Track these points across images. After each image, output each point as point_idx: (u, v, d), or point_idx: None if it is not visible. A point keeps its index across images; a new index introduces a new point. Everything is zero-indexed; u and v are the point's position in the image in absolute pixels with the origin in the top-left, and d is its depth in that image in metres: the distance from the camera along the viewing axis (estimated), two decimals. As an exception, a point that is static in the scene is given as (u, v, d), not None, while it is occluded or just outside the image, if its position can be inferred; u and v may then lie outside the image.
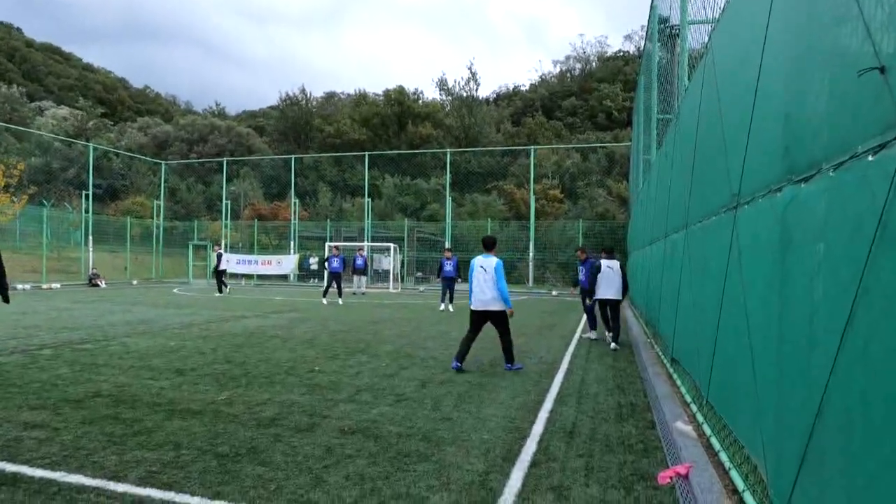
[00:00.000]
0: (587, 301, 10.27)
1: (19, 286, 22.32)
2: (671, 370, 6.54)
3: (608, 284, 9.56)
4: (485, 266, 7.34)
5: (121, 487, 3.43)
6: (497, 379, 6.82)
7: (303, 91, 57.15)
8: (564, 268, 27.87)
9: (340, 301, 17.55)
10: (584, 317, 10.29)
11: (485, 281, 7.29)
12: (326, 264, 17.79)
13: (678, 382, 5.90)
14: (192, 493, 3.37)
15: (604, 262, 9.66)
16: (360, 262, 22.31)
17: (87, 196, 29.07)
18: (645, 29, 17.90)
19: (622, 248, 23.50)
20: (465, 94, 54.83)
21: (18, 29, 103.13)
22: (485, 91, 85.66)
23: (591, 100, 64.66)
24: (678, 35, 13.08)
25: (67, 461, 3.83)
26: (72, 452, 3.99)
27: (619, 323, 9.56)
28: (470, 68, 70.78)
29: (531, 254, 26.61)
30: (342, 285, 17.64)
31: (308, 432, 4.57)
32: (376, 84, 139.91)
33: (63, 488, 3.40)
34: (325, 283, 18.49)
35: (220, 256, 21.24)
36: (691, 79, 6.46)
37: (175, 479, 3.58)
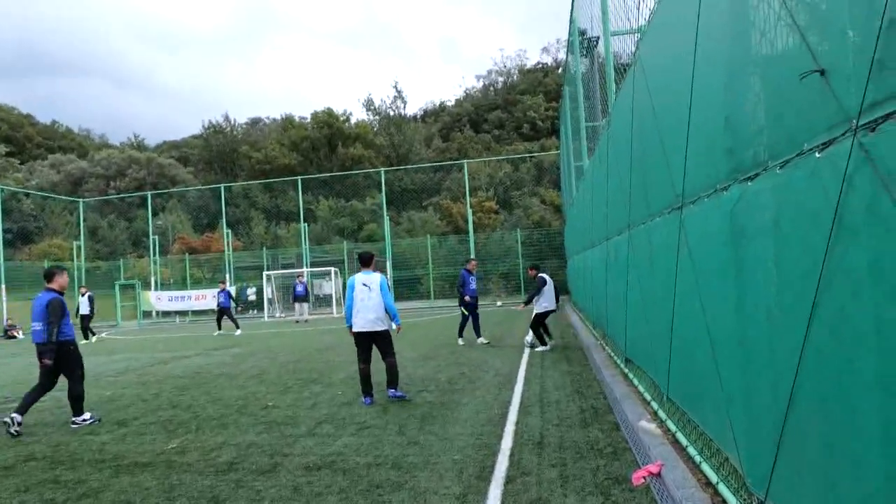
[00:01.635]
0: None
1: (-77, 346, 20.36)
2: (626, 370, 6.70)
3: (550, 297, 10.27)
4: (368, 283, 6.72)
5: (72, 559, 3.14)
6: (457, 396, 6.76)
7: (226, 118, 55.74)
8: (507, 277, 28.26)
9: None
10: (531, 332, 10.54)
11: (369, 299, 6.66)
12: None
13: (635, 382, 6.05)
14: (154, 555, 3.13)
15: (545, 276, 10.42)
16: (300, 289, 21.75)
17: (-5, 242, 26.98)
18: (563, 41, 18.59)
19: (560, 254, 24.11)
20: (392, 113, 55.07)
21: None
22: (412, 108, 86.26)
23: (515, 111, 66.38)
24: (596, 45, 13.71)
25: (5, 537, 3.48)
26: (9, 526, 3.63)
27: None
28: (395, 87, 71.61)
29: (473, 266, 26.84)
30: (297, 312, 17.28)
31: (271, 473, 4.36)
32: (302, 108, 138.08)
33: (4, 568, 3.08)
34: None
35: (90, 299, 18.80)
36: (620, 87, 6.71)
37: (132, 541, 3.31)
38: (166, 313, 28.53)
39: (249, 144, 52.17)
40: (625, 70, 6.45)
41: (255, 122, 79.29)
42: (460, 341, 11.77)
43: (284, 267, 28.03)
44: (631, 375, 6.40)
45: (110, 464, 4.82)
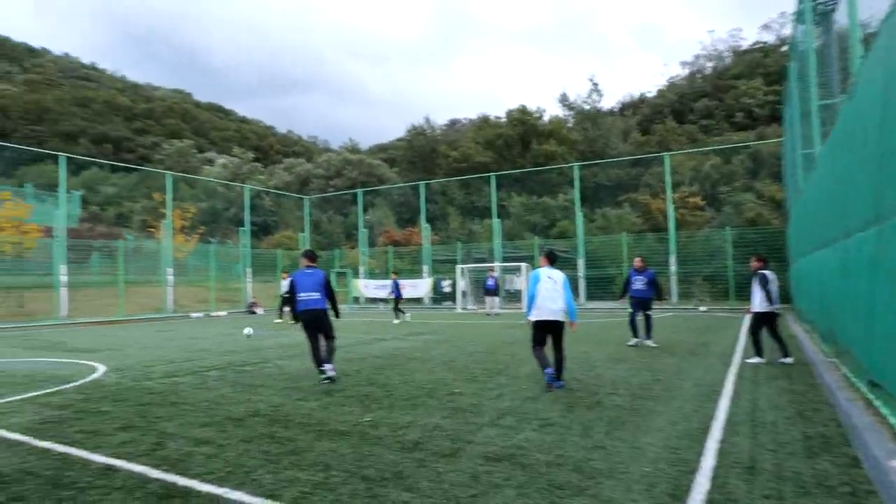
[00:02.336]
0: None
1: (193, 315, 25.09)
2: (871, 396, 5.53)
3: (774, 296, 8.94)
4: (553, 277, 7.29)
5: (276, 508, 3.47)
6: (650, 403, 6.22)
7: (427, 121, 59.31)
8: (712, 281, 25.67)
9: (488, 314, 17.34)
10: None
11: (554, 291, 7.20)
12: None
13: (884, 411, 4.94)
14: (343, 518, 3.32)
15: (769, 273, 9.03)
16: (490, 282, 22.23)
17: (244, 232, 32.17)
18: (788, 14, 16.16)
19: (780, 256, 21.16)
20: (587, 108, 53.48)
21: (189, 93, 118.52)
22: (608, 102, 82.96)
23: (726, 98, 60.12)
24: (834, 10, 11.62)
25: (230, 478, 3.98)
26: (234, 469, 4.16)
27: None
28: (591, 80, 69.06)
29: (673, 267, 24.87)
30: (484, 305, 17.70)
31: (452, 458, 4.40)
32: (497, 107, 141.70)
33: (226, 506, 3.51)
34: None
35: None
36: (867, 52, 5.54)
37: (326, 500, 3.56)
38: (371, 299, 31.31)
39: (448, 144, 54.89)
40: (870, 37, 5.30)
41: (453, 123, 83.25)
42: (632, 341, 11.48)
43: (477, 261, 28.91)
44: (878, 403, 5.25)
45: (315, 428, 5.32)
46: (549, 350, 7.22)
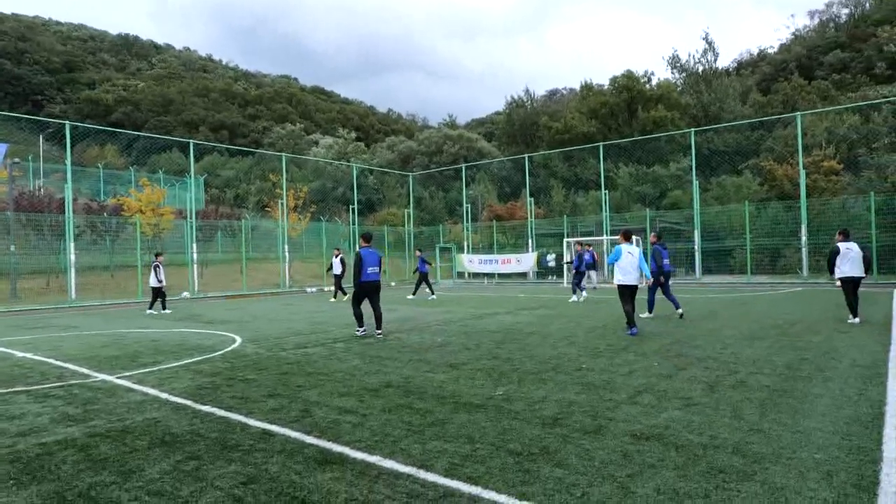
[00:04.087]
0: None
1: (308, 289, 26.53)
2: None
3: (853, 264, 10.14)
4: (631, 252, 9.65)
5: (430, 477, 3.53)
6: (801, 384, 5.72)
7: (527, 92, 58.03)
8: (848, 253, 23.27)
9: (575, 298, 16.79)
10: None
11: (631, 263, 9.60)
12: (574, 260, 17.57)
13: None
14: (498, 491, 3.31)
15: (843, 245, 10.20)
16: (587, 257, 21.74)
17: (352, 210, 33.40)
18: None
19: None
20: (700, 69, 49.70)
21: (295, 79, 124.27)
22: (721, 62, 76.81)
23: (865, 49, 53.73)
24: None
25: (379, 446, 4.11)
26: (381, 438, 4.30)
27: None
28: (705, 38, 63.72)
29: (803, 238, 22.79)
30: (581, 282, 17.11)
31: (596, 434, 4.27)
32: (600, 75, 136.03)
33: (382, 473, 3.62)
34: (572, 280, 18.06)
35: (342, 261, 20.26)
36: None
37: (477, 473, 3.58)
38: (475, 274, 31.50)
39: (549, 115, 53.47)
40: None
41: (552, 94, 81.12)
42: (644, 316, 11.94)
43: (583, 234, 28.13)
44: None
45: (449, 400, 5.39)
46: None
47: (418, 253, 20.89)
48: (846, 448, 3.89)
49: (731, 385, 5.73)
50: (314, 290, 26.60)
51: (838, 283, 10.40)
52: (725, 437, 4.17)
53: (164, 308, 16.50)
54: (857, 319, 10.10)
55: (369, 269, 9.91)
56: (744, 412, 4.78)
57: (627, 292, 9.56)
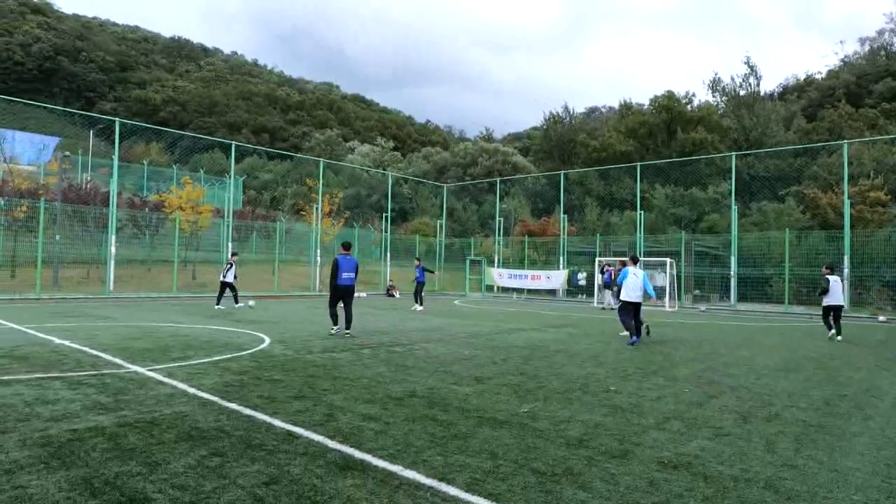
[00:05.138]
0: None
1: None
2: None
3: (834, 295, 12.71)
4: (636, 273, 11.27)
5: (452, 490, 3.50)
6: (841, 422, 5.49)
7: (566, 108, 57.81)
8: (893, 287, 22.41)
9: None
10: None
11: (636, 282, 11.17)
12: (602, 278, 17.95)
13: None
14: (519, 510, 3.25)
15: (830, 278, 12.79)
16: (605, 276, 22.75)
17: (385, 218, 33.66)
18: None
19: None
20: (743, 93, 48.74)
21: (337, 86, 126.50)
22: (766, 86, 75.09)
23: (920, 78, 52.04)
24: None
25: (402, 456, 4.09)
26: (403, 448, 4.27)
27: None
28: (747, 62, 62.36)
29: (846, 270, 22.03)
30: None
31: (622, 459, 4.17)
32: (641, 94, 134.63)
33: (403, 483, 3.60)
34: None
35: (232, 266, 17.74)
36: None
37: (499, 490, 3.52)
38: (505, 289, 31.32)
39: (587, 133, 53.14)
40: None
41: (591, 111, 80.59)
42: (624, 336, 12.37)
43: (616, 254, 27.74)
44: None
45: (474, 414, 5.34)
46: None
47: (417, 262, 21.04)
48: (886, 491, 3.72)
49: (764, 417, 5.54)
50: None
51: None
52: (757, 470, 4.03)
53: (235, 302, 17.52)
54: (834, 334, 12.55)
55: (344, 275, 10.99)
56: (778, 446, 4.61)
57: (631, 307, 11.06)
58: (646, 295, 11.28)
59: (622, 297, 11.22)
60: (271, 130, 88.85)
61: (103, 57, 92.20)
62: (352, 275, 11.16)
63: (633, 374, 7.75)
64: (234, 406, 5.42)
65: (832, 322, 12.70)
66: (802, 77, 70.70)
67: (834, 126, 43.85)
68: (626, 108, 54.64)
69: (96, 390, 5.89)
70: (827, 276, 12.84)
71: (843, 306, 13.08)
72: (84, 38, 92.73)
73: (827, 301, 12.75)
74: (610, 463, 4.08)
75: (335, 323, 11.20)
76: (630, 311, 11.01)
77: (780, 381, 7.51)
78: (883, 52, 65.01)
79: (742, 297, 24.82)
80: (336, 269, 10.97)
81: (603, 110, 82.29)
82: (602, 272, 23.62)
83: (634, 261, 11.75)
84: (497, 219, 34.69)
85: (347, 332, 11.01)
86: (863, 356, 10.26)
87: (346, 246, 11.66)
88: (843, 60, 68.01)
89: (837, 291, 12.74)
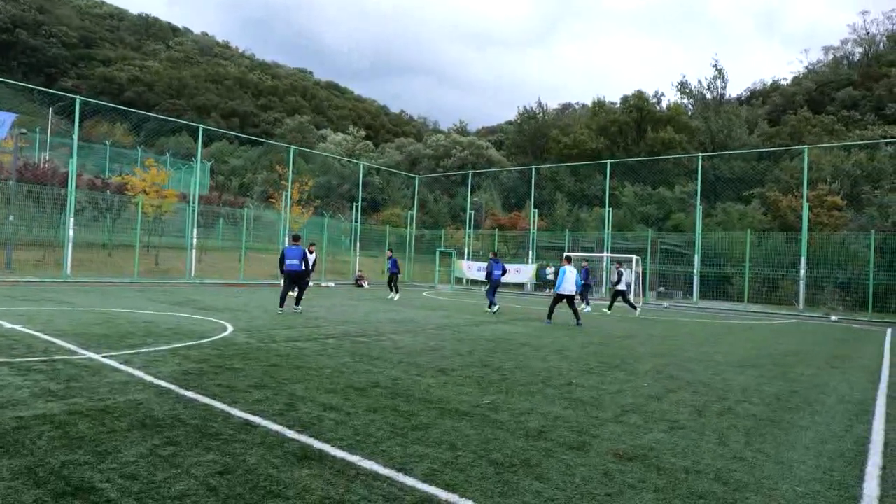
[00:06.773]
0: None
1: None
2: None
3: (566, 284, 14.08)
4: (572, 271, 13.84)
5: (409, 481, 3.49)
6: (790, 416, 5.69)
7: (539, 104, 58.19)
8: (846, 288, 23.28)
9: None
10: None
11: (572, 278, 13.68)
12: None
13: None
14: (475, 500, 3.27)
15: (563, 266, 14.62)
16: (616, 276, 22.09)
17: (356, 207, 33.39)
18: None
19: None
20: (710, 95, 49.83)
21: (311, 72, 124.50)
22: (732, 90, 76.67)
23: (876, 88, 53.93)
24: None
25: (361, 446, 4.08)
26: (363, 438, 4.26)
27: None
28: (715, 66, 63.45)
29: (802, 271, 22.77)
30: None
31: (579, 451, 4.23)
32: (613, 92, 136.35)
33: (361, 473, 3.58)
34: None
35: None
36: None
37: (456, 481, 3.54)
38: (474, 281, 31.45)
39: (559, 129, 53.59)
40: None
41: (565, 108, 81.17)
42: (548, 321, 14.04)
43: (584, 250, 28.11)
44: None
45: (436, 405, 5.35)
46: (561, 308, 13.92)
47: (389, 253, 20.93)
48: (827, 483, 3.86)
49: (718, 411, 5.70)
50: (311, 284, 26.52)
51: None
52: (708, 462, 4.14)
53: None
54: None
55: (288, 262, 13.00)
56: (729, 439, 4.75)
57: (565, 298, 13.73)
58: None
59: (560, 291, 13.69)
60: (242, 115, 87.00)
61: (66, 32, 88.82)
62: (295, 262, 12.98)
63: (596, 367, 7.87)
64: (191, 394, 5.31)
65: (571, 308, 13.96)
66: (769, 82, 72.54)
67: (795, 131, 45.23)
68: (599, 105, 55.29)
69: (46, 377, 5.70)
70: (563, 267, 14.23)
71: (574, 295, 14.09)
72: (45, 11, 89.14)
73: (562, 290, 13.92)
74: (567, 455, 4.14)
75: (281, 305, 12.96)
76: (563, 301, 13.72)
77: (736, 376, 7.73)
78: (845, 62, 67.08)
79: (704, 295, 25.46)
80: (283, 258, 13.12)
81: (576, 107, 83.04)
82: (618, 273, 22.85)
83: (569, 260, 14.39)
84: (468, 211, 34.76)
85: (297, 308, 13.08)
86: (816, 354, 10.64)
87: (295, 238, 13.89)
88: (807, 68, 69.96)
89: (570, 281, 13.89)
